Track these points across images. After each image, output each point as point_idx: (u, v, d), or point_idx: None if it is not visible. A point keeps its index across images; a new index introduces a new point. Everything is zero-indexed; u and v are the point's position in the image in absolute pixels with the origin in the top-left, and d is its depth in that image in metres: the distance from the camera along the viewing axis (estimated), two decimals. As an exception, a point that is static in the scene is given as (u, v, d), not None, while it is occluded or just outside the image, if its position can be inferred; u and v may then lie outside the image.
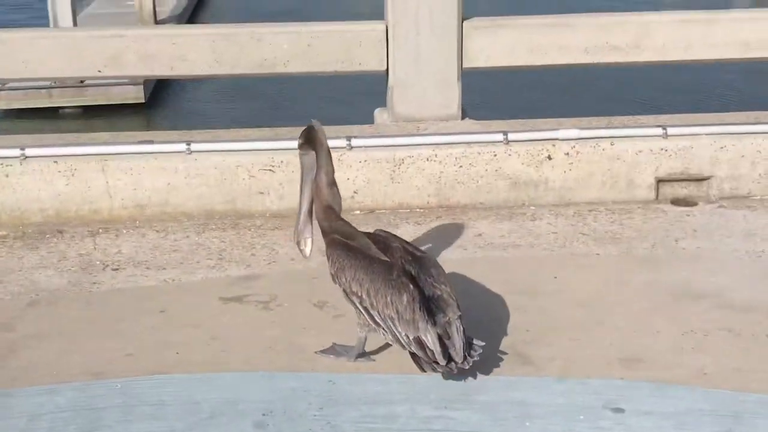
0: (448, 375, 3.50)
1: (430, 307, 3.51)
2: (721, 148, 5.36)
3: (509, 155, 5.31)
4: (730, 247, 4.74)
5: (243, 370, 3.68)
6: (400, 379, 3.56)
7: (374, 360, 3.73)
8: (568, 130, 5.36)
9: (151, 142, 5.35)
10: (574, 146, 5.31)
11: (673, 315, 4.04)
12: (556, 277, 4.43)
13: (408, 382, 3.54)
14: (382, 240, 3.71)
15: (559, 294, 4.26)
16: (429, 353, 3.46)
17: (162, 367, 3.68)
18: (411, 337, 3.48)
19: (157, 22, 14.56)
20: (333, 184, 3.79)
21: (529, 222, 5.09)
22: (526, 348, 3.77)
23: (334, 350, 3.78)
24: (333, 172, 3.79)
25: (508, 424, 3.26)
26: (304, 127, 3.82)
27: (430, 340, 3.45)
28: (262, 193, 5.26)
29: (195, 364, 3.70)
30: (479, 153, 5.30)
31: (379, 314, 3.54)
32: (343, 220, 3.83)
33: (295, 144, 4.85)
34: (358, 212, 5.26)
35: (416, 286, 3.51)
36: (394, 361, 3.66)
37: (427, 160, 5.28)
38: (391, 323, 3.51)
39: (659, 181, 5.38)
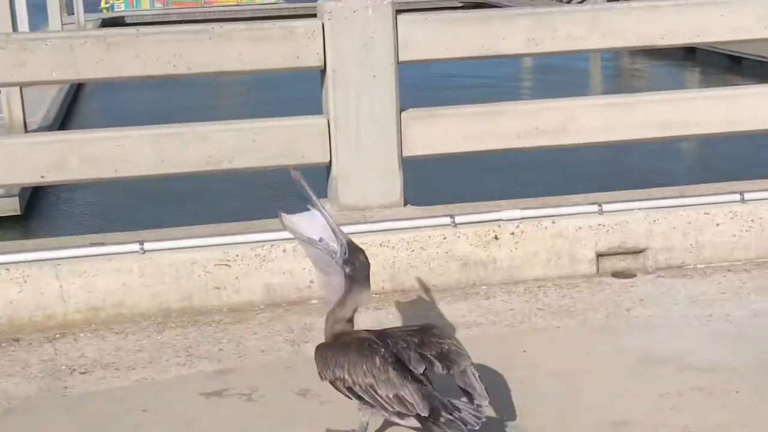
0: (478, 423, 3.47)
1: (411, 362, 3.57)
2: (654, 221, 5.65)
3: (458, 237, 5.49)
4: (679, 314, 4.98)
5: (245, 461, 3.67)
6: (405, 457, 3.62)
7: (374, 443, 3.77)
8: (511, 211, 5.58)
9: (102, 244, 5.33)
10: (518, 225, 5.53)
11: (644, 379, 4.23)
12: (525, 351, 4.58)
13: (413, 460, 3.60)
14: (380, 331, 3.78)
15: (533, 366, 4.41)
16: (409, 406, 3.50)
17: (162, 464, 3.65)
18: (392, 396, 3.52)
19: (27, 131, 14.40)
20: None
21: (484, 300, 5.25)
22: (519, 419, 3.89)
23: (338, 434, 3.82)
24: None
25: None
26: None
27: (408, 393, 3.49)
28: (218, 288, 5.28)
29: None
30: (430, 237, 5.46)
31: (361, 387, 3.58)
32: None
33: (249, 237, 4.95)
34: (314, 301, 5.32)
35: (386, 348, 3.57)
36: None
37: (380, 245, 5.41)
38: (372, 391, 3.55)
39: (599, 255, 5.62)
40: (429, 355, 3.63)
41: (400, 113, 5.83)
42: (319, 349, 3.72)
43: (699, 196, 5.80)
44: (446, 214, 5.56)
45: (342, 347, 3.64)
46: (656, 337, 4.69)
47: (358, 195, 5.86)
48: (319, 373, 3.69)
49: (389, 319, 5.04)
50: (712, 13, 6.09)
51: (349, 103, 5.72)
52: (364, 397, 3.57)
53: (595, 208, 5.65)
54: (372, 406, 3.59)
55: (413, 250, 5.44)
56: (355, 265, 3.70)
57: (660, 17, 6.02)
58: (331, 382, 3.66)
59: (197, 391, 4.31)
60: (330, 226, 3.70)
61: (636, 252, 5.67)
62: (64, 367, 4.63)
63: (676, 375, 4.26)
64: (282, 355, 4.66)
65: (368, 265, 3.74)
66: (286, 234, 4.97)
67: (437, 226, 5.51)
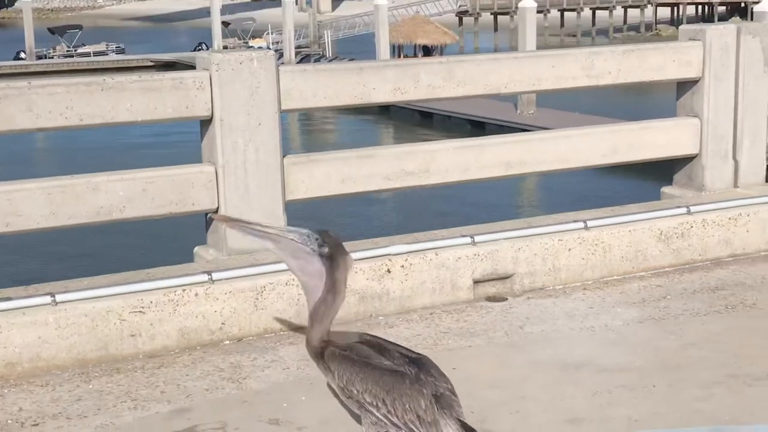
0: None
1: (442, 403, 3.95)
2: (519, 249, 6.30)
3: (356, 272, 5.85)
4: (566, 328, 5.62)
5: (258, 486, 3.86)
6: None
7: (373, 460, 4.07)
8: (397, 246, 6.03)
9: (9, 298, 5.25)
10: (407, 259, 5.99)
11: (573, 383, 4.80)
12: (454, 368, 5.00)
13: (418, 468, 3.93)
14: (376, 345, 4.10)
15: (470, 381, 4.85)
16: None
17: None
18: None
19: None
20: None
21: (389, 329, 5.65)
22: (485, 427, 4.32)
23: (332, 457, 4.08)
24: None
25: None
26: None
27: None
28: (133, 335, 5.35)
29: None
30: (329, 274, 5.78)
31: (399, 419, 3.91)
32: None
33: (162, 283, 5.07)
34: (227, 342, 5.50)
35: (428, 390, 3.94)
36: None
37: (286, 284, 5.68)
38: (413, 426, 3.90)
39: (475, 282, 6.18)
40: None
41: (283, 158, 6.14)
42: (338, 361, 3.92)
43: (552, 224, 6.51)
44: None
45: (372, 372, 3.88)
46: (559, 348, 5.28)
47: (245, 240, 6.07)
48: (341, 389, 3.92)
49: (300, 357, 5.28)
50: (544, 65, 6.88)
51: (237, 151, 5.98)
52: (403, 428, 3.85)
53: (468, 240, 6.21)
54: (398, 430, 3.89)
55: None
56: (327, 240, 3.92)
57: (503, 68, 6.74)
58: (357, 401, 3.90)
59: (169, 430, 4.41)
60: (283, 232, 3.95)
61: (505, 277, 6.28)
62: (10, 422, 4.55)
63: (596, 377, 4.86)
64: (229, 392, 4.83)
65: (338, 237, 3.99)
66: (198, 278, 5.21)
67: (335, 263, 5.83)
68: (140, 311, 5.34)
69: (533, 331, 5.57)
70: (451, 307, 6.01)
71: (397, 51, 48.71)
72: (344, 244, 5.65)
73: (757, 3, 37.83)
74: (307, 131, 27.60)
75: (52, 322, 5.17)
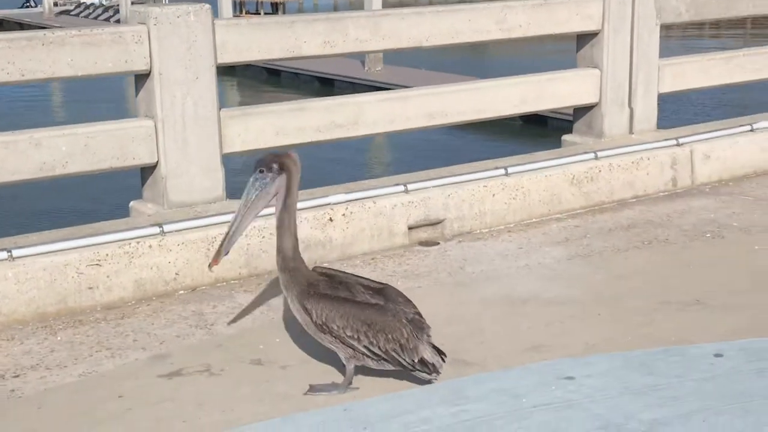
0: (435, 379, 4.26)
1: (415, 328, 4.27)
2: (449, 195, 6.62)
3: (300, 222, 6.03)
4: (503, 266, 5.99)
5: (260, 419, 4.07)
6: (401, 395, 4.23)
7: (358, 388, 4.34)
8: (338, 195, 6.26)
9: (-35, 254, 5.24)
10: (347, 207, 6.22)
11: (524, 315, 5.16)
12: (412, 308, 5.30)
13: (408, 396, 4.23)
14: (339, 279, 4.35)
15: (430, 318, 5.09)
16: (429, 367, 4.22)
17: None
18: (416, 360, 4.20)
19: None
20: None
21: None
22: (459, 358, 4.63)
23: (323, 388, 4.33)
24: None
25: (508, 403, 4.08)
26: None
27: (428, 357, 4.22)
28: (91, 288, 5.42)
29: (207, 428, 4.01)
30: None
31: (381, 349, 4.20)
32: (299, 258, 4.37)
33: (118, 236, 5.20)
34: (182, 292, 5.64)
35: (408, 321, 4.23)
36: (372, 384, 4.31)
37: (235, 235, 5.82)
38: (395, 354, 4.20)
39: (410, 228, 6.48)
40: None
41: (219, 111, 6.25)
42: (315, 300, 4.17)
43: (478, 171, 6.85)
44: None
45: (352, 307, 4.16)
46: (503, 285, 5.64)
47: (185, 192, 6.21)
48: (319, 326, 4.16)
49: (269, 297, 5.49)
50: (462, 19, 7.19)
51: (175, 105, 6.07)
52: (384, 356, 4.13)
53: (402, 188, 6.49)
54: (380, 359, 4.17)
55: (264, 237, 5.92)
56: (268, 161, 4.24)
57: (425, 22, 7.00)
58: (336, 336, 4.16)
59: (153, 374, 4.55)
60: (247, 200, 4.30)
61: (436, 223, 6.59)
62: (-11, 375, 4.60)
63: (543, 309, 5.24)
64: (201, 338, 4.99)
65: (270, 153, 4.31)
66: (152, 230, 5.34)
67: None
68: (97, 264, 5.41)
69: (474, 271, 5.90)
70: (389, 252, 6.28)
71: (239, 7, 48.16)
72: None
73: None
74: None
75: (11, 277, 5.19)
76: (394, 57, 26.14)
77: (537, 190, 6.97)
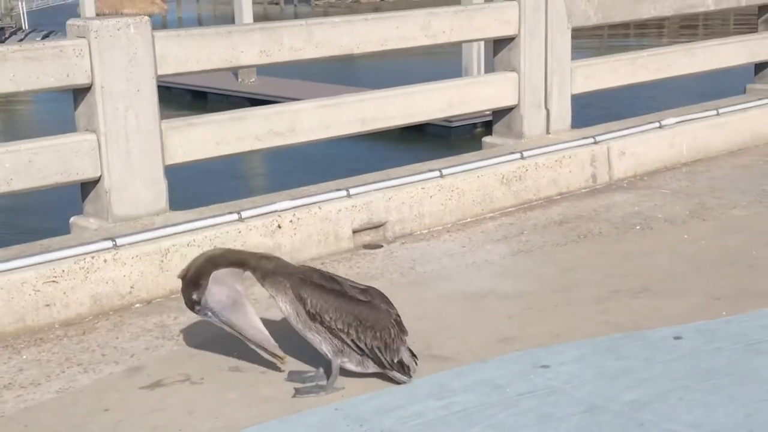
0: (407, 381, 4.40)
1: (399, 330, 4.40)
2: (390, 198, 6.76)
3: (250, 230, 6.12)
4: (452, 265, 6.15)
5: (255, 423, 4.13)
6: (389, 391, 4.35)
7: (344, 387, 4.43)
8: (284, 202, 6.33)
9: None
10: (295, 213, 6.30)
11: (485, 310, 5.33)
12: (374, 308, 5.41)
13: (395, 392, 4.35)
14: (330, 275, 4.46)
15: (395, 317, 5.27)
16: (405, 369, 4.37)
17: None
18: (395, 360, 4.34)
19: None
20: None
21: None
22: (433, 353, 4.77)
23: (309, 390, 4.41)
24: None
25: (493, 393, 4.25)
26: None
27: (407, 360, 4.37)
28: (48, 305, 5.36)
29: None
30: (227, 232, 6.02)
31: (366, 345, 4.32)
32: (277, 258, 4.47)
33: (73, 251, 5.20)
34: (138, 305, 5.62)
35: (397, 323, 4.36)
36: (353, 384, 4.41)
37: (188, 245, 5.85)
38: (378, 352, 4.32)
39: (354, 232, 6.59)
40: None
41: (161, 124, 6.26)
42: (309, 290, 4.26)
43: (415, 174, 7.01)
44: (234, 211, 6.14)
45: (344, 302, 4.26)
46: (457, 282, 5.80)
47: (130, 206, 6.19)
48: (310, 314, 4.24)
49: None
50: (390, 26, 7.35)
51: (117, 117, 6.05)
52: (367, 353, 4.25)
53: (344, 192, 6.60)
54: (363, 356, 4.29)
55: (215, 246, 5.94)
56: (200, 286, 4.42)
57: (356, 30, 7.13)
58: (327, 327, 4.25)
59: (134, 387, 4.55)
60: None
61: (379, 226, 6.72)
62: (-38, 396, 4.52)
63: (502, 303, 5.43)
64: (171, 348, 5.00)
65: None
66: (104, 244, 5.35)
67: (231, 222, 6.07)
68: (53, 281, 5.36)
69: (425, 271, 6.05)
70: (337, 256, 6.38)
71: None
72: (229, 204, 5.93)
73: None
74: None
75: (-31, 297, 5.08)
76: (267, 68, 26.08)
77: (470, 191, 7.17)
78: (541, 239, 6.59)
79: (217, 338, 5.06)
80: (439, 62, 22.23)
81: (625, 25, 31.75)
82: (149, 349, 4.98)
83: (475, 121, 18.93)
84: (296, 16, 69.09)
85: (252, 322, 4.44)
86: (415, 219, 6.88)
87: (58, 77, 5.85)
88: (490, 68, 8.55)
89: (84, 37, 5.92)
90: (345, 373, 4.40)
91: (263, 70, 26.30)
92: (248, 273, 4.41)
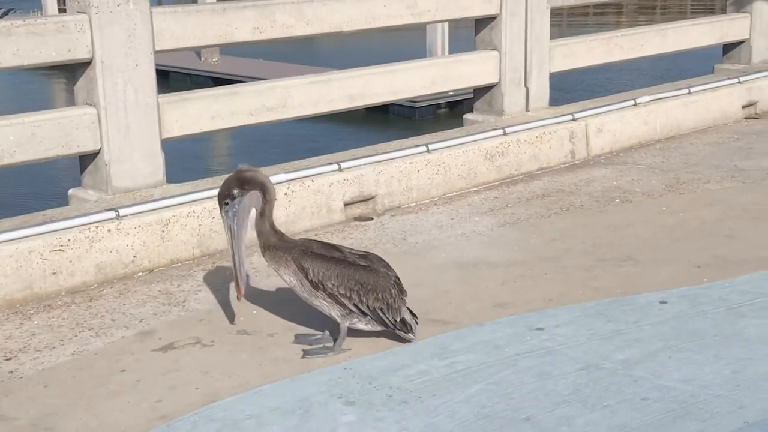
0: (413, 338, 4.64)
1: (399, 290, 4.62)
2: (379, 173, 6.97)
3: (246, 202, 6.28)
4: (443, 236, 6.38)
5: (268, 381, 4.33)
6: (394, 352, 4.57)
7: (350, 349, 4.64)
8: (278, 175, 6.52)
9: (-71, 244, 5.26)
10: (289, 186, 6.49)
11: (480, 278, 5.56)
12: (371, 276, 5.62)
13: (400, 353, 4.57)
14: (329, 244, 4.67)
15: (392, 284, 5.48)
16: (408, 327, 4.59)
17: (209, 397, 4.17)
18: (398, 320, 4.56)
19: None
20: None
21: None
22: (433, 317, 4.99)
23: (317, 351, 4.62)
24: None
25: (493, 353, 4.48)
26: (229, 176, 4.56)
27: (408, 319, 4.60)
28: (55, 273, 5.52)
29: (221, 391, 4.22)
30: (225, 204, 6.18)
31: (369, 308, 4.54)
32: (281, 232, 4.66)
33: (78, 221, 5.35)
34: (141, 274, 5.80)
35: (396, 284, 4.58)
36: (363, 344, 4.63)
37: (188, 216, 6.02)
38: (380, 313, 4.54)
39: (345, 204, 6.79)
40: None
41: (158, 99, 6.41)
42: (311, 260, 4.46)
43: (403, 149, 7.22)
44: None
45: (345, 267, 4.47)
46: (449, 252, 6.03)
47: (129, 178, 6.35)
48: (314, 283, 4.44)
49: (223, 280, 5.70)
50: (378, 4, 7.53)
51: (117, 92, 6.19)
52: (370, 315, 4.47)
53: (336, 167, 6.79)
54: (365, 317, 4.50)
55: (214, 217, 6.12)
56: (226, 192, 4.53)
57: (345, 8, 7.31)
58: (330, 294, 4.45)
59: (147, 349, 4.73)
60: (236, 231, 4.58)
61: (369, 199, 6.93)
62: (-21, 359, 4.67)
63: (494, 271, 5.66)
64: (179, 314, 5.18)
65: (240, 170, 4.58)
66: (108, 215, 5.51)
67: (227, 193, 6.22)
68: (60, 250, 5.50)
69: (417, 242, 6.27)
70: (329, 228, 6.58)
71: (64, 1, 47.09)
72: (203, 180, 6.08)
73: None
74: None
75: (-21, 265, 5.23)
76: (230, 48, 26.14)
77: (456, 165, 7.39)
78: (525, 212, 6.83)
79: (223, 305, 5.25)
80: (403, 41, 22.45)
81: (585, 8, 32.27)
82: (157, 315, 5.15)
83: (439, 101, 19.20)
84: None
85: (242, 243, 4.59)
86: (404, 192, 7.09)
87: (60, 51, 5.97)
88: (455, 48, 8.75)
89: (85, 13, 6.04)
90: (353, 333, 4.61)
91: (226, 49, 26.32)
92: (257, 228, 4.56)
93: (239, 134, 15.57)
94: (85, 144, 6.15)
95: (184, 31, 6.49)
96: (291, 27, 7.00)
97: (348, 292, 4.48)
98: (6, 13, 50.58)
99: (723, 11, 11.04)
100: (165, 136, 6.47)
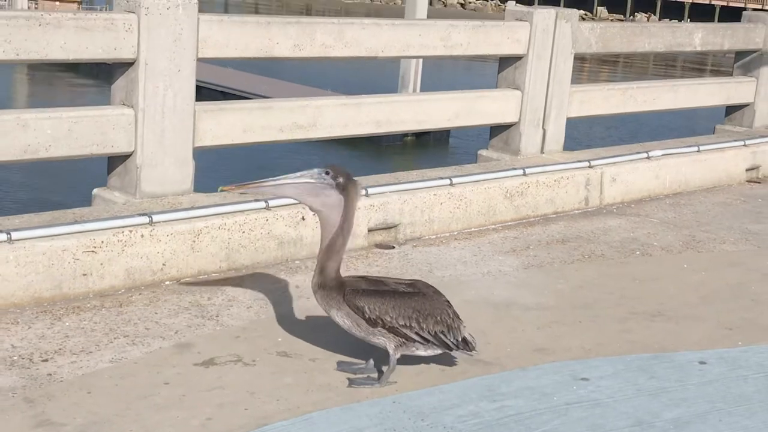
0: (475, 355, 4.66)
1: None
2: (404, 201, 6.92)
3: (276, 219, 6.22)
4: (468, 272, 6.34)
5: (317, 409, 4.26)
6: (441, 389, 4.52)
7: (396, 381, 4.58)
8: (308, 195, 6.43)
9: (-38, 234, 5.12)
10: (318, 207, 6.40)
11: (513, 319, 5.53)
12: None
13: (447, 390, 4.52)
14: (373, 279, 4.61)
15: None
16: (470, 345, 4.56)
17: (259, 420, 4.08)
18: (459, 339, 4.52)
19: None
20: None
21: (310, 273, 6.03)
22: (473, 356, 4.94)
23: (363, 381, 4.55)
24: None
25: (542, 400, 4.45)
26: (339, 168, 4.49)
27: (469, 337, 4.57)
28: (85, 274, 5.40)
29: (271, 415, 4.14)
30: (256, 219, 6.11)
31: (430, 332, 4.49)
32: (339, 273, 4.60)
33: (113, 223, 5.26)
34: (168, 282, 5.69)
35: (449, 305, 4.54)
36: (407, 377, 4.58)
37: (219, 228, 5.93)
38: (443, 336, 4.50)
39: (369, 230, 6.74)
40: None
41: (195, 106, 6.33)
42: (365, 297, 4.40)
43: (427, 180, 7.19)
44: (259, 199, 6.22)
45: (399, 298, 4.42)
46: (478, 289, 5.99)
47: (158, 183, 6.25)
48: (371, 320, 4.38)
49: (266, 292, 5.61)
50: (414, 33, 7.52)
51: (157, 95, 6.10)
52: (432, 340, 4.42)
53: (362, 191, 6.72)
54: (428, 344, 4.46)
55: (244, 232, 6.04)
56: (338, 173, 4.46)
57: (383, 33, 7.29)
58: (389, 327, 4.39)
59: (188, 363, 4.63)
60: (296, 178, 4.47)
61: (392, 227, 6.88)
62: (15, 358, 4.55)
63: (528, 314, 5.63)
64: (213, 329, 5.07)
65: (345, 168, 4.54)
66: (141, 219, 5.42)
67: (258, 209, 6.16)
68: (92, 251, 5.39)
69: (443, 276, 6.23)
70: (353, 253, 6.51)
71: None
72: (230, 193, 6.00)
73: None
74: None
75: (12, 260, 5.10)
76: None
77: (477, 201, 7.37)
78: (548, 255, 6.82)
79: (257, 322, 5.17)
80: (376, 69, 22.51)
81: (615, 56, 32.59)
82: (191, 327, 5.05)
83: (406, 131, 19.23)
84: (226, 6, 68.69)
85: (278, 191, 4.65)
86: (425, 224, 7.05)
87: (106, 49, 5.88)
88: (427, 85, 8.76)
89: (134, 12, 5.95)
90: (401, 362, 4.54)
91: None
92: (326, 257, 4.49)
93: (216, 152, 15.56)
94: (120, 145, 6.04)
95: (228, 41, 6.42)
96: (329, 47, 6.95)
97: (407, 321, 4.43)
98: None
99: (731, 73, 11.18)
100: (197, 144, 6.38)
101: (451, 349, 4.55)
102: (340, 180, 4.45)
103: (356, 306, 4.43)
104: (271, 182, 4.57)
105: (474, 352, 4.59)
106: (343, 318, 4.48)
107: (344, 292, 4.47)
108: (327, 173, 4.44)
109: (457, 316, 4.58)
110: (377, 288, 4.51)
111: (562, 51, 8.53)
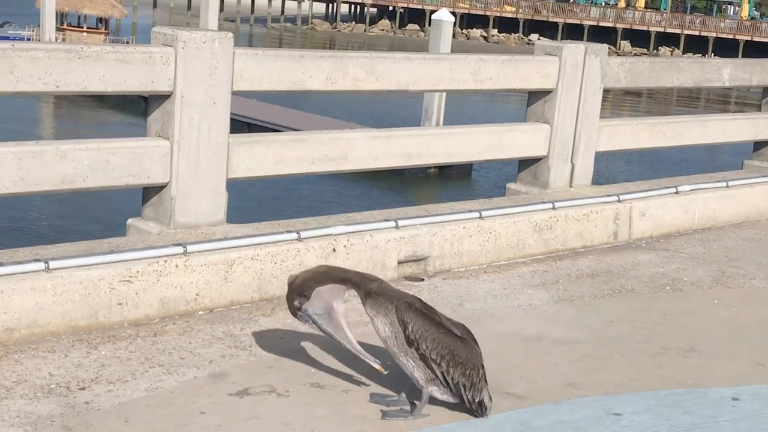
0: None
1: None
2: (434, 234, 6.96)
3: (308, 251, 6.26)
4: (498, 306, 6.36)
5: (352, 441, 4.28)
6: (474, 423, 4.53)
7: (429, 414, 4.60)
8: (339, 227, 6.50)
9: (0, 264, 5.20)
10: (348, 239, 6.46)
11: (545, 353, 5.54)
12: (436, 340, 5.58)
13: (481, 425, 4.53)
14: (429, 307, 4.64)
15: (458, 351, 5.44)
16: (483, 409, 4.56)
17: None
18: (477, 400, 4.53)
19: None
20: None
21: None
22: (503, 388, 4.95)
23: (396, 414, 4.57)
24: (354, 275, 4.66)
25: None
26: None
27: (486, 401, 4.57)
28: (120, 304, 5.45)
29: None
30: (287, 251, 6.16)
31: (452, 380, 4.51)
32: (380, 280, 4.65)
33: (148, 253, 5.32)
34: (201, 312, 5.74)
35: (482, 365, 4.55)
36: (440, 410, 4.60)
37: (252, 259, 5.98)
38: (462, 389, 4.52)
39: (399, 262, 6.77)
40: None
41: (229, 138, 6.40)
42: (413, 315, 4.44)
43: (456, 213, 7.23)
44: (294, 230, 6.28)
45: (443, 334, 4.45)
46: (510, 323, 6.00)
47: (191, 214, 6.32)
48: (408, 339, 4.41)
49: (286, 327, 5.64)
50: (444, 68, 7.58)
51: (192, 127, 6.18)
52: (452, 388, 4.44)
53: (393, 224, 6.78)
54: (447, 389, 4.47)
55: (276, 263, 6.09)
56: (303, 294, 4.64)
57: (413, 67, 7.35)
58: (421, 354, 4.42)
59: (223, 393, 4.66)
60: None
61: (421, 259, 6.91)
62: (53, 386, 4.60)
63: (559, 348, 5.64)
64: (248, 359, 5.11)
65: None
66: (175, 249, 5.48)
67: (288, 241, 6.21)
68: (128, 281, 5.45)
69: (474, 309, 6.24)
70: (384, 285, 6.53)
71: (60, 18, 48.30)
72: (288, 222, 6.08)
73: (435, 11, 40.00)
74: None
75: (49, 288, 5.17)
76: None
77: (506, 234, 7.40)
78: (578, 290, 6.82)
79: (290, 353, 5.20)
80: (400, 102, 22.59)
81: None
82: (225, 357, 5.09)
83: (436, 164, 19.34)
84: (251, 37, 69.28)
85: (347, 336, 4.59)
86: (455, 256, 7.08)
87: (144, 82, 5.96)
88: (450, 116, 8.82)
89: (171, 46, 6.04)
90: (415, 395, 4.57)
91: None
92: (351, 291, 4.57)
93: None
94: (155, 176, 6.11)
95: (262, 75, 6.50)
96: (361, 81, 7.02)
97: (439, 358, 4.45)
98: (2, 26, 50.77)
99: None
100: (230, 176, 6.45)
101: (463, 404, 4.55)
102: (296, 303, 4.65)
103: (402, 319, 4.47)
104: (353, 349, 4.68)
105: (483, 417, 4.57)
106: (386, 326, 4.50)
107: (396, 304, 4.50)
108: (299, 315, 4.67)
109: (485, 378, 4.56)
110: (429, 314, 4.55)
111: (591, 85, 8.57)
